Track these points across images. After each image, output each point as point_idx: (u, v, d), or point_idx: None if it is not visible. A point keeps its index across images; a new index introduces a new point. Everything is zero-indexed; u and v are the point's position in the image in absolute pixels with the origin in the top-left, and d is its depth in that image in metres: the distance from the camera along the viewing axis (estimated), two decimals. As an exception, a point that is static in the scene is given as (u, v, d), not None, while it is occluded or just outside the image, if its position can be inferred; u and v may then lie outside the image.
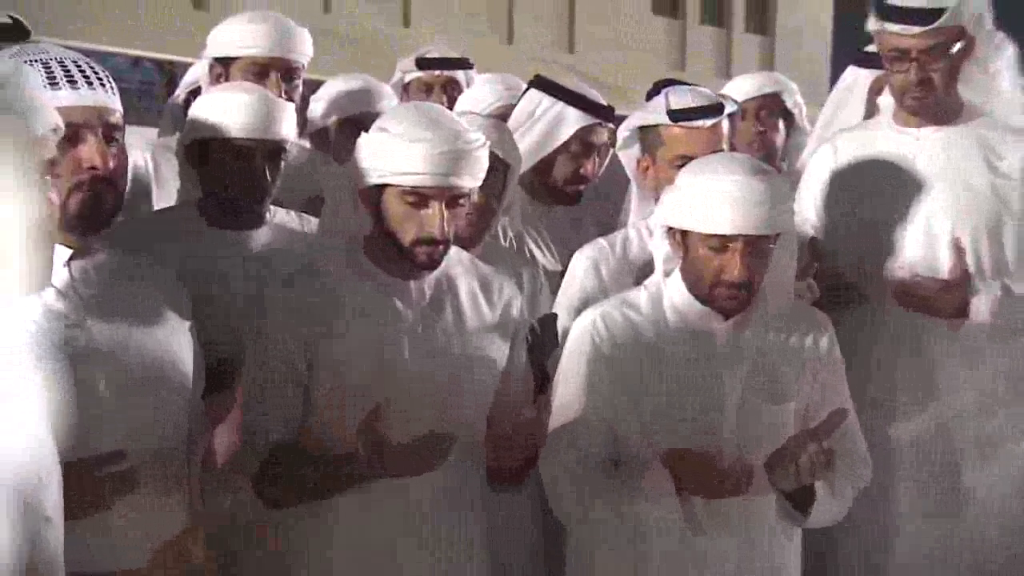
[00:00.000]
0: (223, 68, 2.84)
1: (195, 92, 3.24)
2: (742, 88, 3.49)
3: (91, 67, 1.85)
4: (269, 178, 2.44)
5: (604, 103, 2.84)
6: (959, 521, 2.67)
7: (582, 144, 2.79)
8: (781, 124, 3.52)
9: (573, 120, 2.77)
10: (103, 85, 1.84)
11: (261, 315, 2.11)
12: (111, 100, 1.85)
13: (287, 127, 2.46)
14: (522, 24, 15.57)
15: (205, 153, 2.42)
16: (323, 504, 2.04)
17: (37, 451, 1.29)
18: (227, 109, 2.37)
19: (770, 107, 3.50)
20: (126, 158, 1.90)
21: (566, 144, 2.78)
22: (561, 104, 2.78)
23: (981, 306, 2.55)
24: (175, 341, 1.92)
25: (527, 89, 2.90)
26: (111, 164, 1.78)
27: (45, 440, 1.32)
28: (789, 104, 3.57)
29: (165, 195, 2.80)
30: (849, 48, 2.77)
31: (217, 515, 2.12)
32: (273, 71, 2.80)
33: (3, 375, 1.28)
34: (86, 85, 1.81)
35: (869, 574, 2.69)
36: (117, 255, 1.92)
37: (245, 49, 2.81)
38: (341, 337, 2.06)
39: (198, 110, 2.44)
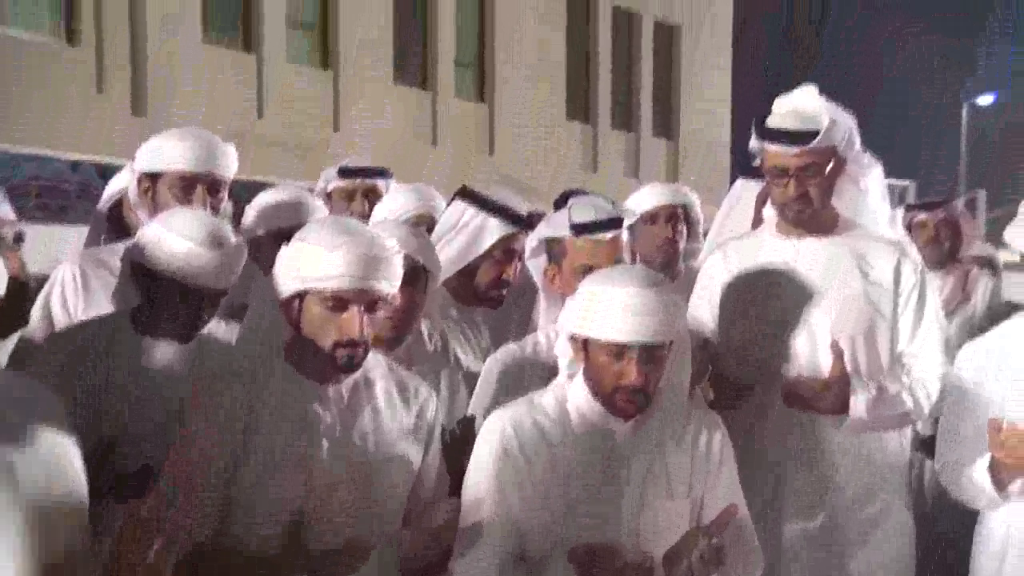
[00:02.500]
0: (151, 182, 2.82)
1: (118, 203, 3.27)
2: (655, 195, 3.59)
3: None
4: (207, 316, 2.45)
5: (524, 213, 2.86)
6: None
7: (504, 251, 2.80)
8: (684, 231, 3.62)
9: (496, 229, 2.78)
10: None
11: (182, 420, 2.07)
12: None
13: (235, 275, 2.45)
14: (444, 128, 15.73)
15: (151, 278, 2.38)
16: None
17: None
18: (187, 256, 2.33)
19: (678, 216, 3.60)
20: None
21: (489, 251, 2.79)
22: (484, 214, 2.80)
23: (859, 403, 2.59)
24: (67, 456, 1.79)
25: (453, 199, 2.91)
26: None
27: None
28: (693, 215, 3.68)
29: (94, 306, 2.74)
30: (748, 152, 2.84)
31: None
32: (199, 184, 2.78)
33: None
34: None
35: None
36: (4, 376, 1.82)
37: (172, 164, 2.78)
38: (262, 441, 2.03)
39: (151, 239, 2.38)
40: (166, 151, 2.81)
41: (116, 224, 3.52)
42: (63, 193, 9.87)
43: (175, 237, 2.35)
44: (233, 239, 2.45)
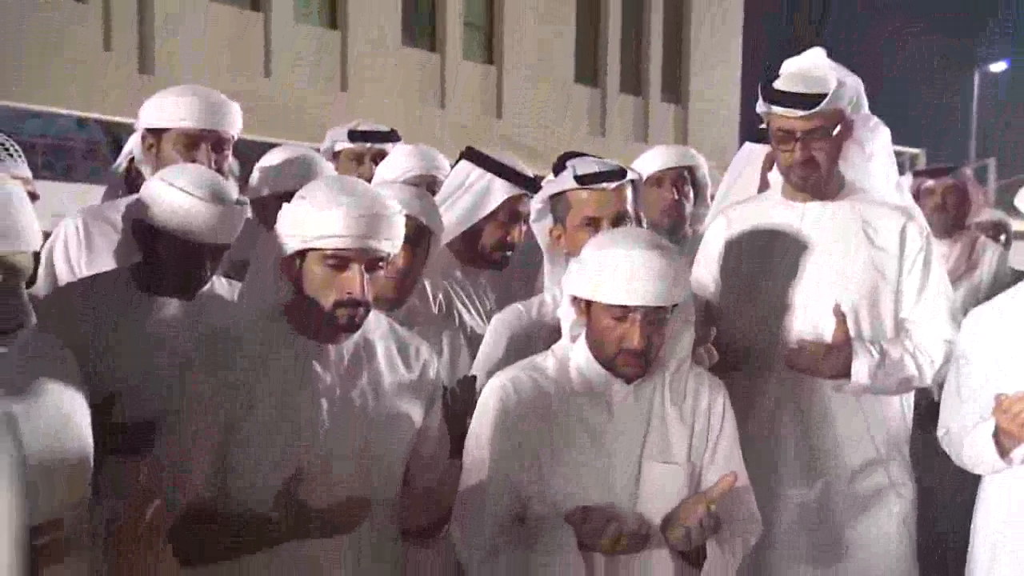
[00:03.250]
0: (155, 138, 2.80)
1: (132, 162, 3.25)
2: (661, 157, 3.55)
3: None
4: (209, 271, 2.43)
5: (530, 174, 2.85)
6: (841, 567, 2.70)
7: (509, 213, 2.79)
8: (692, 194, 3.59)
9: (501, 190, 2.77)
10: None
11: (183, 380, 2.06)
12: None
13: (236, 230, 2.43)
14: (452, 90, 15.66)
15: (152, 234, 2.37)
16: (239, 563, 2.00)
17: None
18: (188, 211, 2.31)
19: (684, 178, 3.56)
20: None
21: (494, 213, 2.77)
22: (490, 175, 2.78)
23: (861, 368, 2.59)
24: (74, 411, 1.81)
25: (458, 160, 2.90)
26: None
27: None
28: (699, 177, 3.64)
29: (97, 261, 2.73)
30: (757, 117, 2.82)
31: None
32: (203, 143, 2.76)
33: None
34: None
35: None
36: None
37: (176, 122, 2.76)
38: (262, 401, 2.03)
39: (152, 194, 2.36)
40: (170, 108, 2.78)
41: (133, 184, 3.53)
42: (69, 151, 9.88)
43: (176, 192, 2.32)
44: (234, 194, 2.43)
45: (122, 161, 3.41)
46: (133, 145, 3.37)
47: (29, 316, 1.62)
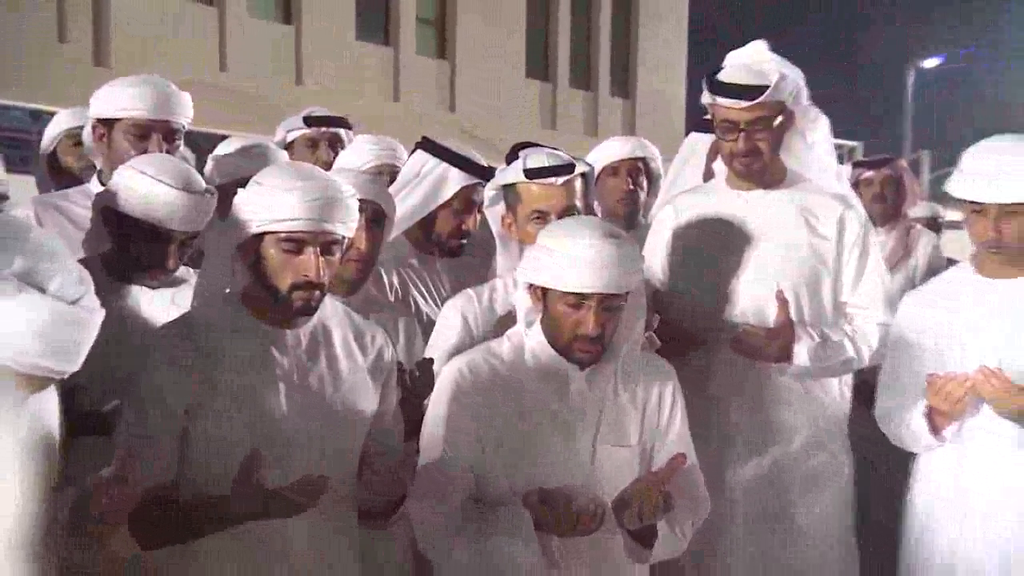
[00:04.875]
0: (105, 128, 2.75)
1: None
2: (617, 149, 3.54)
3: None
4: (179, 259, 2.41)
5: (484, 164, 2.84)
6: (787, 544, 2.73)
7: (464, 202, 2.79)
8: (645, 184, 3.60)
9: (456, 180, 2.76)
10: None
11: (141, 366, 2.03)
12: None
13: (206, 218, 2.42)
14: (406, 84, 15.57)
15: (123, 222, 2.35)
16: (199, 544, 1.97)
17: None
18: (159, 199, 2.30)
19: (639, 169, 3.56)
20: None
21: (449, 201, 2.77)
22: (445, 164, 2.77)
23: (802, 352, 2.62)
24: (41, 399, 1.78)
25: (414, 149, 2.88)
26: None
27: None
28: (653, 168, 3.65)
29: None
30: (700, 111, 2.85)
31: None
32: (154, 132, 2.72)
33: None
34: None
35: None
36: None
37: (127, 111, 2.71)
38: (219, 385, 2.01)
39: (124, 183, 2.34)
40: (121, 98, 2.73)
41: (53, 168, 3.50)
42: (25, 143, 9.66)
43: (147, 179, 2.31)
44: (203, 184, 2.41)
45: (47, 147, 3.41)
46: (56, 130, 3.45)
47: None
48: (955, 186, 2.57)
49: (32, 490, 1.58)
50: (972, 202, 2.54)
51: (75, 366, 1.51)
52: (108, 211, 2.37)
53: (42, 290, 1.45)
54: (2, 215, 1.60)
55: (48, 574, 1.73)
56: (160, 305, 2.40)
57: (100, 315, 1.54)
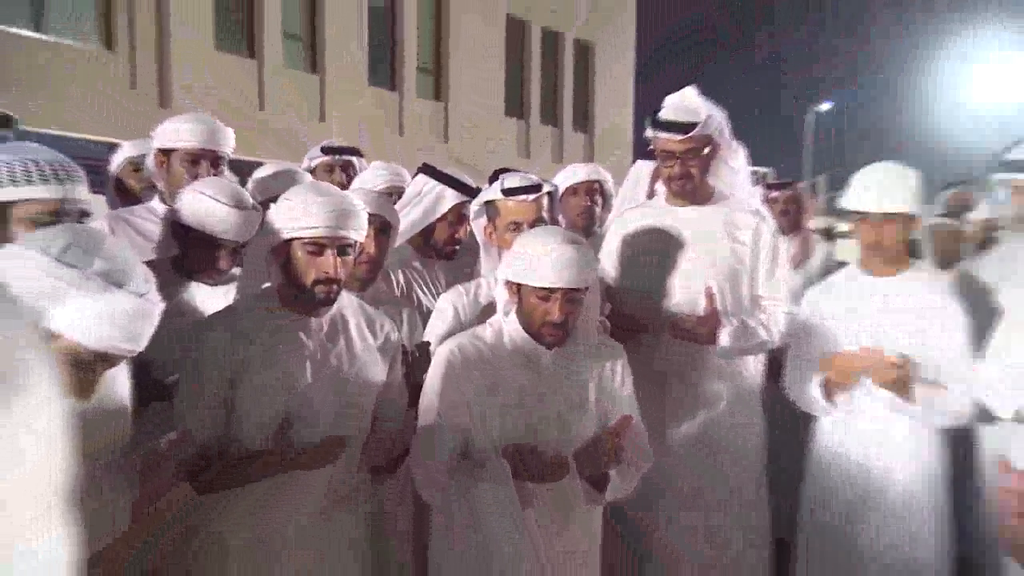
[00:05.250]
0: (165, 156, 2.71)
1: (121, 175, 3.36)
2: (577, 173, 3.52)
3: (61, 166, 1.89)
4: (231, 262, 2.39)
5: (474, 185, 2.81)
6: (716, 483, 2.72)
7: (456, 215, 2.76)
8: (600, 201, 3.58)
9: (450, 198, 2.74)
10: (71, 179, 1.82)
11: (195, 346, 2.00)
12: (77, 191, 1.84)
13: (253, 230, 2.36)
14: (408, 121, 15.50)
15: (186, 232, 2.32)
16: (239, 491, 1.95)
17: None
18: (216, 215, 2.29)
19: (595, 189, 3.54)
20: None
21: (444, 215, 2.74)
22: (441, 186, 2.75)
23: (725, 334, 2.62)
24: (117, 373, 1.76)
25: (416, 173, 2.85)
26: None
27: None
28: (607, 188, 3.64)
29: None
30: (646, 141, 2.83)
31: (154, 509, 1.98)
32: (204, 160, 2.69)
33: None
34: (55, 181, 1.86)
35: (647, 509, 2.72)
36: None
37: (183, 143, 2.68)
38: (257, 362, 1.98)
39: (190, 202, 2.31)
40: (178, 132, 2.70)
41: (118, 189, 3.47)
42: (101, 170, 9.56)
43: (209, 200, 2.29)
44: (251, 201, 2.38)
45: (115, 171, 3.36)
46: (121, 158, 3.42)
47: None
48: (846, 201, 2.60)
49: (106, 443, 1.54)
50: (859, 212, 2.56)
51: (141, 347, 1.50)
52: (175, 224, 2.35)
53: (119, 287, 1.43)
54: (84, 226, 1.57)
55: (122, 516, 1.70)
56: (215, 298, 2.36)
57: (161, 307, 1.52)
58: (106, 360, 1.46)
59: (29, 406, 0.51)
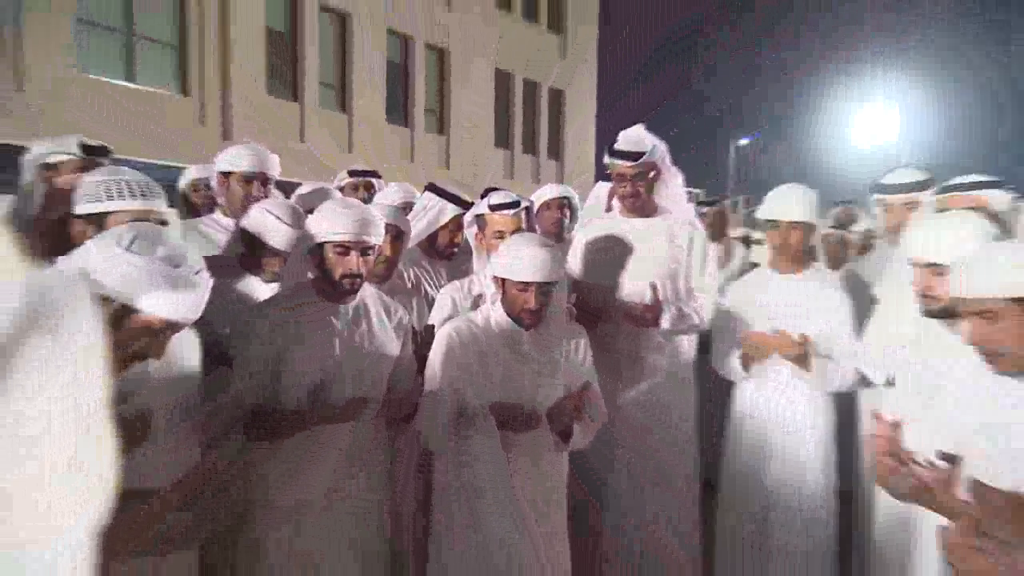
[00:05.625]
0: (224, 178, 2.70)
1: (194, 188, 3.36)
2: (551, 191, 3.48)
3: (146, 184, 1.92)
4: (283, 262, 2.36)
5: (470, 200, 2.81)
6: (656, 437, 2.74)
7: (455, 225, 2.74)
8: (569, 214, 3.58)
9: (450, 211, 2.72)
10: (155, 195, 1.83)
11: (250, 326, 2.00)
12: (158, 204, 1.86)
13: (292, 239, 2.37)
14: (418, 151, 15.42)
15: (250, 239, 2.33)
16: (283, 444, 1.95)
17: None
18: (275, 227, 2.29)
19: (565, 205, 3.54)
20: None
21: (446, 225, 2.73)
22: (444, 201, 2.73)
23: (666, 320, 2.63)
24: (188, 341, 1.75)
25: (424, 191, 2.85)
26: None
27: None
28: (574, 204, 3.63)
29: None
30: (604, 168, 2.84)
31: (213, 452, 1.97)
32: (256, 181, 2.67)
33: None
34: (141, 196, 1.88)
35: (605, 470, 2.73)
36: None
37: (239, 167, 2.67)
38: (298, 340, 1.98)
39: (256, 217, 2.32)
40: (236, 158, 2.69)
41: (184, 203, 3.46)
42: (174, 190, 9.43)
43: (274, 220, 2.31)
44: (303, 218, 2.36)
45: (183, 189, 3.35)
46: (187, 180, 3.43)
47: None
48: (761, 212, 2.63)
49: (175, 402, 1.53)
50: (770, 220, 2.58)
51: (198, 315, 1.48)
52: (244, 231, 2.35)
53: (176, 267, 1.42)
54: (145, 223, 1.54)
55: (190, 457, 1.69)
56: (265, 289, 2.36)
57: (211, 283, 1.49)
58: (173, 327, 1.45)
59: (76, 350, 0.51)
